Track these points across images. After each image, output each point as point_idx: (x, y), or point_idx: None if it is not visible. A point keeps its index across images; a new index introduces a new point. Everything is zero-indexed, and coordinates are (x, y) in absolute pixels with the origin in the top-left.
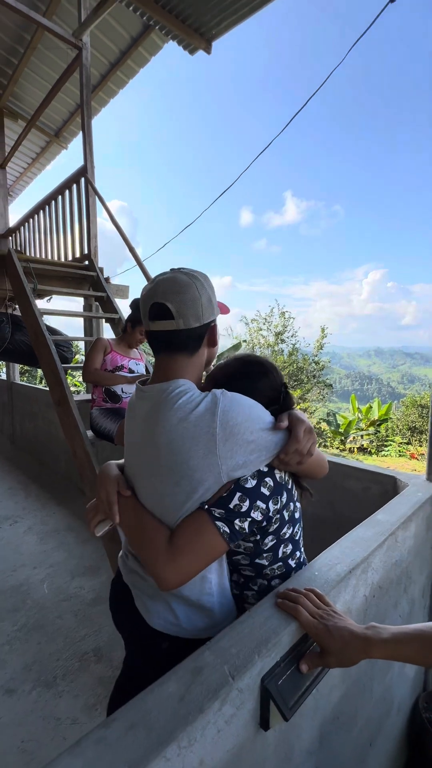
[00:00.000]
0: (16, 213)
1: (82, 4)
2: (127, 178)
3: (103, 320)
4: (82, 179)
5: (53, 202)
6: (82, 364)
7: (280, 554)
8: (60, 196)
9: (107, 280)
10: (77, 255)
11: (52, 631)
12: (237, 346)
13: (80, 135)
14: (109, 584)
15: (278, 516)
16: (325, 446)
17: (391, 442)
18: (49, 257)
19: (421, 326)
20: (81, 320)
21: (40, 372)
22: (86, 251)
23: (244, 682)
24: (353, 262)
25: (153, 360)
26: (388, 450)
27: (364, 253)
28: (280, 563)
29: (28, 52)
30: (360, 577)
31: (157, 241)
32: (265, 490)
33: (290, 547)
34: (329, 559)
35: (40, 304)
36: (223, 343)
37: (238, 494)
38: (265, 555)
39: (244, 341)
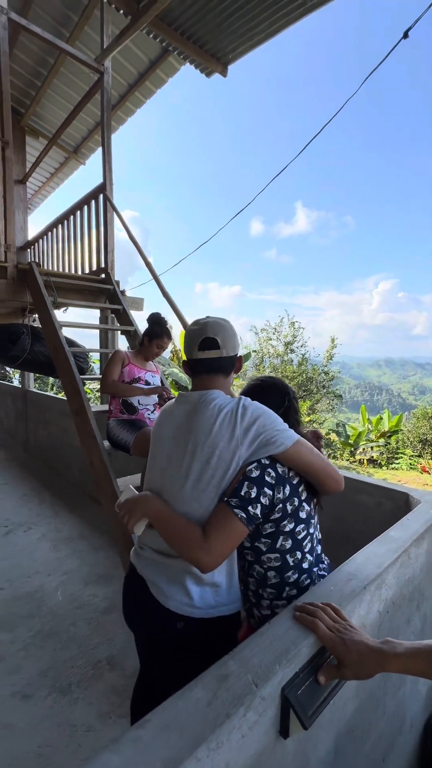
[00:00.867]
0: (33, 225)
1: (105, 31)
2: (138, 188)
3: (119, 332)
4: (101, 196)
5: (72, 216)
6: (95, 375)
7: (278, 545)
8: (79, 211)
9: (123, 293)
10: (94, 268)
11: (66, 638)
12: (246, 357)
13: (98, 150)
14: (122, 593)
15: (281, 506)
16: (334, 457)
17: (402, 455)
18: (66, 269)
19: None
20: (95, 329)
21: (51, 379)
22: (103, 265)
23: (267, 691)
24: (364, 272)
25: (166, 371)
26: (399, 462)
27: (375, 263)
28: (277, 554)
29: (51, 74)
30: (374, 592)
31: (169, 249)
32: (269, 479)
33: (290, 542)
34: (344, 574)
35: (57, 315)
36: None
37: (246, 483)
38: (263, 539)
39: (254, 351)
